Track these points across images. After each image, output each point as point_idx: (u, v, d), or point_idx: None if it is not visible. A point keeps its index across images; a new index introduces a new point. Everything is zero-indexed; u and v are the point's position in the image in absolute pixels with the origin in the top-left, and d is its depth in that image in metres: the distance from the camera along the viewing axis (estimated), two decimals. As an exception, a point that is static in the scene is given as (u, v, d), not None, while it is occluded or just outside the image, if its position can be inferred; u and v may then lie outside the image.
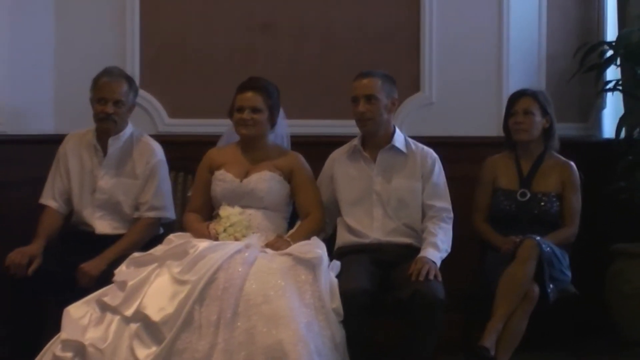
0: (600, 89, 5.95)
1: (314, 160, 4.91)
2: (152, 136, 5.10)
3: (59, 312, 4.33)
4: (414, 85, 5.73)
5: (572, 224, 4.92)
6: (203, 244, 4.41)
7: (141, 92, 5.34)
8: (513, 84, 5.61)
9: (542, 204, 4.91)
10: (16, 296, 4.59)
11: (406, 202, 4.75)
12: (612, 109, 6.10)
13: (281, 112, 4.87)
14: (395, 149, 4.78)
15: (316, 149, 5.04)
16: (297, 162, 4.82)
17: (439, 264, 4.52)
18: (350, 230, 4.75)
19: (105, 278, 4.49)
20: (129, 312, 4.23)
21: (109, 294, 4.33)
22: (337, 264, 4.51)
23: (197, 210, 4.81)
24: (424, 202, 4.75)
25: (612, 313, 5.63)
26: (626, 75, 5.89)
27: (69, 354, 4.19)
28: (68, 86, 5.61)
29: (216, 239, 4.53)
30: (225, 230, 4.57)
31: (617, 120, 5.80)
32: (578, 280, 4.86)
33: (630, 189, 5.69)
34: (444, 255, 4.62)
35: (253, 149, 4.80)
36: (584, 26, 6.03)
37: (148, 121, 5.64)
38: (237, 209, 4.65)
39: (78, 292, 4.46)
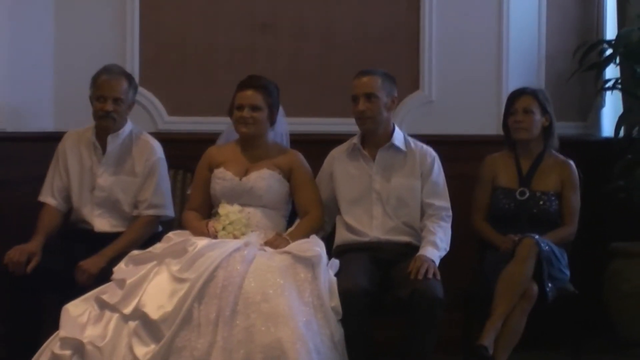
0: (599, 88, 5.95)
1: (314, 158, 4.92)
2: (151, 134, 5.10)
3: (57, 310, 4.32)
4: (414, 84, 5.74)
5: (571, 223, 4.92)
6: (202, 242, 4.42)
7: (141, 89, 5.35)
8: (512, 83, 5.61)
9: (542, 202, 4.90)
10: (15, 294, 4.59)
11: (405, 201, 4.75)
12: (612, 107, 6.10)
13: (281, 110, 4.87)
14: (395, 148, 4.78)
15: (316, 147, 5.04)
16: (296, 161, 4.82)
17: (438, 262, 4.53)
18: (350, 228, 4.75)
19: (104, 276, 4.48)
20: (127, 309, 4.23)
21: (107, 291, 4.33)
22: (336, 262, 4.51)
23: (196, 208, 4.81)
24: (423, 200, 4.75)
25: (610, 312, 5.63)
26: (625, 74, 5.89)
27: (68, 352, 4.19)
28: (68, 84, 5.60)
29: (215, 237, 4.53)
30: (224, 228, 4.57)
31: (616, 119, 5.79)
32: (577, 279, 4.87)
33: (629, 187, 5.68)
34: (443, 254, 4.62)
35: (252, 147, 4.80)
36: (583, 25, 6.03)
37: (147, 119, 5.64)
38: (236, 207, 4.65)
39: (77, 290, 4.46)
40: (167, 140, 5.17)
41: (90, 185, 4.91)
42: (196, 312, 4.17)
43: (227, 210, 4.63)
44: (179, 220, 4.92)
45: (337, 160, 4.86)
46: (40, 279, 4.59)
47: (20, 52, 5.54)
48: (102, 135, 4.91)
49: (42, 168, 5.04)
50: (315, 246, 4.45)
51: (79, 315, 4.29)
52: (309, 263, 4.36)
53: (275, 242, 4.53)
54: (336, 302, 4.29)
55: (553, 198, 4.92)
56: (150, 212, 4.89)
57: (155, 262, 4.40)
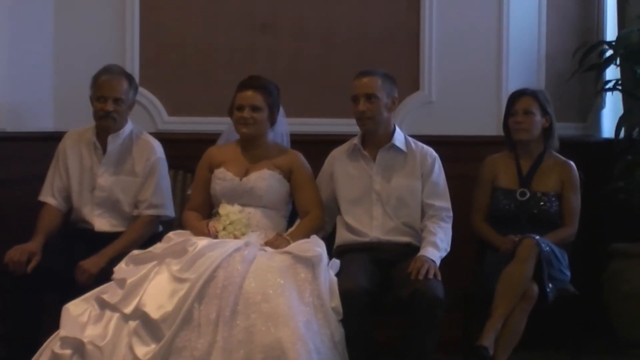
0: (599, 89, 5.96)
1: (314, 158, 4.91)
2: (151, 134, 5.10)
3: (57, 310, 4.32)
4: (414, 84, 5.73)
5: (571, 224, 4.92)
6: (202, 242, 4.41)
7: (141, 89, 5.34)
8: (512, 84, 5.61)
9: (542, 203, 4.90)
10: (15, 293, 4.58)
11: (406, 201, 4.75)
12: (612, 108, 6.10)
13: (281, 111, 4.87)
14: (395, 148, 4.78)
15: (315, 148, 5.03)
16: (296, 161, 4.82)
17: (438, 263, 4.53)
18: (350, 229, 4.75)
19: (104, 276, 4.48)
20: (128, 309, 4.23)
21: (108, 291, 4.33)
22: (336, 262, 4.51)
23: (196, 208, 4.81)
24: (424, 201, 4.75)
25: (610, 313, 5.64)
26: (626, 75, 5.89)
27: (68, 351, 4.19)
28: (68, 84, 5.59)
29: (215, 237, 4.53)
30: (224, 229, 4.57)
31: (616, 120, 5.80)
32: (577, 279, 4.87)
33: (629, 188, 5.70)
34: (444, 254, 4.62)
35: (253, 148, 4.80)
36: (583, 26, 6.04)
37: (147, 119, 5.63)
38: (236, 207, 4.64)
39: (77, 290, 4.46)
40: (167, 140, 5.16)
41: (91, 185, 4.91)
42: (196, 312, 4.17)
43: (228, 211, 4.62)
44: (179, 220, 4.91)
45: (337, 160, 4.86)
46: (40, 278, 4.58)
47: (20, 52, 5.53)
48: (102, 135, 4.91)
49: (42, 168, 5.04)
50: (315, 246, 4.45)
51: (80, 315, 4.28)
52: (310, 263, 4.35)
53: (275, 242, 4.53)
54: (337, 302, 4.29)
55: (553, 199, 4.92)
56: (151, 212, 4.89)
57: (155, 262, 4.39)
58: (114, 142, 4.90)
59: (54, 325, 4.30)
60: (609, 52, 5.87)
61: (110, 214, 4.90)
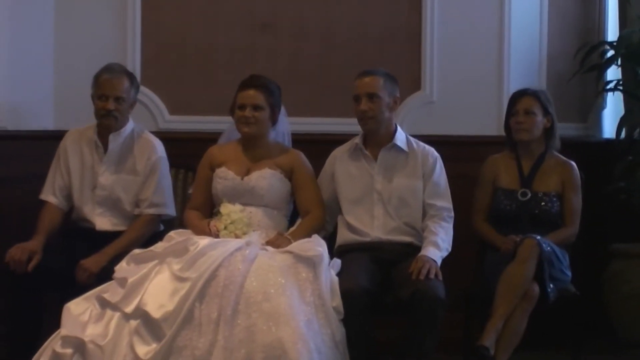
0: (600, 89, 5.97)
1: (315, 158, 4.91)
2: (152, 133, 5.09)
3: (58, 309, 4.32)
4: (415, 84, 5.73)
5: (572, 224, 4.91)
6: (203, 241, 4.40)
7: (142, 88, 5.31)
8: (513, 84, 5.62)
9: (543, 203, 4.90)
10: (16, 292, 4.58)
11: (407, 201, 4.75)
12: (613, 109, 6.11)
13: (282, 110, 4.87)
14: (397, 148, 4.78)
15: (317, 147, 5.04)
16: (298, 160, 4.82)
17: (439, 263, 4.52)
18: (351, 228, 4.75)
19: (105, 275, 4.47)
20: (129, 308, 4.22)
21: (109, 290, 4.33)
22: (337, 262, 4.51)
23: (197, 207, 4.81)
24: (425, 201, 4.75)
25: (610, 313, 5.65)
26: (627, 76, 5.90)
27: (69, 350, 4.18)
28: (68, 83, 5.60)
29: (217, 236, 4.52)
30: (225, 228, 4.57)
31: (617, 121, 5.81)
32: (577, 280, 4.87)
33: (629, 189, 5.70)
34: (445, 254, 4.61)
35: (254, 147, 4.80)
36: (584, 26, 6.04)
37: (148, 118, 5.63)
38: (237, 207, 4.64)
39: (78, 289, 4.46)
40: (168, 139, 5.16)
41: (92, 183, 4.90)
42: (197, 312, 4.17)
43: (229, 210, 4.62)
44: (180, 219, 4.91)
45: (338, 160, 4.85)
46: (41, 277, 4.58)
47: (21, 51, 5.53)
48: (103, 134, 4.91)
49: (42, 167, 5.04)
50: (316, 246, 4.44)
51: (80, 314, 4.28)
52: (311, 262, 4.35)
53: (276, 242, 4.52)
54: (338, 301, 4.28)
55: (554, 199, 4.92)
56: (152, 211, 4.89)
57: (156, 261, 4.39)
58: (115, 141, 4.90)
59: (55, 324, 4.30)
60: (610, 53, 5.88)
61: (112, 213, 4.90)
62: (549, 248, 4.61)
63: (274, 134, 4.87)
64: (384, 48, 5.73)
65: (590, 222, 5.14)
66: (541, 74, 5.83)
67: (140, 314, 4.20)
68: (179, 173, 5.20)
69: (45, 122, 5.61)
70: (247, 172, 4.74)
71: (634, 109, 5.81)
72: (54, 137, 5.14)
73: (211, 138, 5.08)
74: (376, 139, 4.79)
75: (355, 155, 4.82)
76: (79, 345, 4.18)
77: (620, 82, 5.91)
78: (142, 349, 4.14)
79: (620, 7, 6.01)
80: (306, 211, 4.75)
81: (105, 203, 4.89)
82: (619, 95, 5.99)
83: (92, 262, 4.63)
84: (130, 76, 4.93)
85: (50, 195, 4.91)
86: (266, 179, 4.72)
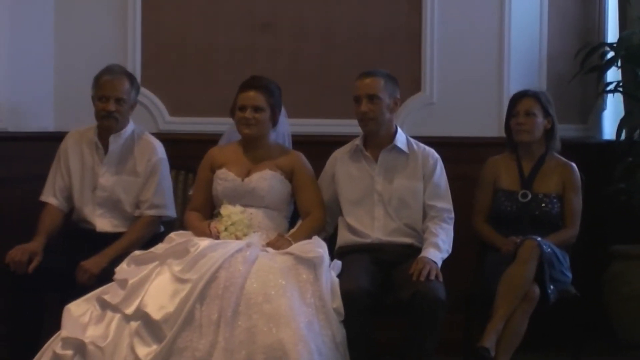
0: (600, 91, 5.96)
1: (316, 159, 4.91)
2: (152, 134, 5.09)
3: (59, 310, 4.32)
4: (415, 85, 5.73)
5: (572, 225, 4.92)
6: (204, 242, 4.41)
7: (142, 90, 5.31)
8: (514, 85, 5.61)
9: (543, 205, 4.90)
10: (16, 293, 4.58)
11: (407, 202, 4.75)
12: (613, 110, 6.10)
13: (283, 111, 4.87)
14: (397, 149, 4.78)
15: (317, 148, 5.04)
16: (298, 161, 4.82)
17: (440, 264, 4.52)
18: (351, 229, 4.75)
19: (105, 276, 4.47)
20: (129, 310, 4.22)
21: (109, 291, 4.33)
22: (338, 263, 4.51)
23: (198, 208, 4.81)
24: (425, 202, 4.75)
25: (611, 314, 5.64)
26: (627, 77, 5.89)
27: (69, 352, 4.18)
28: (68, 83, 5.60)
29: (217, 237, 4.52)
30: (226, 229, 4.56)
31: (617, 122, 5.80)
32: (577, 281, 4.86)
33: (629, 190, 5.69)
34: (445, 255, 4.62)
35: (254, 148, 4.80)
36: (584, 27, 6.03)
37: (149, 119, 5.63)
38: (238, 208, 4.64)
39: (79, 290, 4.46)
40: (169, 140, 5.17)
41: (92, 185, 4.90)
42: (198, 313, 4.17)
43: (229, 211, 4.62)
44: (181, 220, 4.91)
45: (339, 161, 4.85)
46: (41, 278, 4.58)
47: (21, 51, 5.53)
48: (104, 135, 4.91)
49: (42, 168, 5.05)
50: (317, 247, 4.45)
51: (81, 315, 4.28)
52: (311, 264, 4.35)
53: (277, 243, 4.53)
54: (338, 303, 4.29)
55: (555, 200, 4.92)
56: (152, 212, 4.89)
57: (157, 263, 4.39)
58: (116, 142, 4.90)
59: (55, 325, 4.30)
60: (610, 54, 5.86)
61: (112, 214, 4.90)
62: (549, 249, 4.61)
63: (274, 135, 4.87)
64: (384, 48, 5.73)
65: (590, 223, 5.14)
66: (541, 75, 5.82)
67: (141, 315, 4.20)
68: (179, 174, 5.20)
69: (45, 123, 5.61)
70: (248, 174, 4.74)
71: (634, 110, 5.81)
72: (54, 138, 5.15)
73: (211, 139, 5.08)
74: (376, 140, 4.79)
75: (355, 157, 4.82)
76: (80, 347, 4.18)
77: (621, 84, 5.90)
78: (142, 351, 4.14)
79: (620, 8, 6.00)
80: (307, 212, 4.75)
81: (106, 204, 4.89)
82: (619, 97, 5.98)
83: (92, 264, 4.63)
84: (131, 77, 4.93)
85: (50, 196, 4.91)
86: (267, 180, 4.72)
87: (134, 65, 5.58)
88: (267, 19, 5.74)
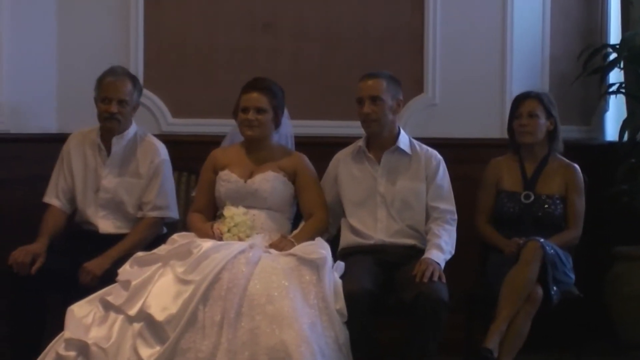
0: (603, 92, 5.96)
1: (318, 160, 4.91)
2: (155, 136, 5.09)
3: (61, 311, 4.32)
4: (418, 87, 5.72)
5: (575, 227, 4.92)
6: (207, 244, 4.41)
7: (145, 91, 5.31)
8: (516, 86, 5.61)
9: (546, 206, 4.90)
10: (19, 294, 4.58)
11: (410, 204, 4.75)
12: (615, 111, 6.10)
13: (285, 113, 4.87)
14: (400, 151, 4.78)
15: (320, 150, 5.03)
16: (301, 163, 4.82)
17: (443, 265, 4.52)
18: (354, 231, 4.75)
19: (108, 277, 4.48)
20: (132, 311, 4.22)
21: (112, 293, 4.33)
22: (341, 264, 4.51)
23: (200, 210, 4.81)
24: (428, 203, 4.75)
25: (612, 315, 5.64)
26: (629, 78, 5.89)
27: (72, 353, 4.18)
28: (70, 85, 5.60)
29: (220, 239, 4.53)
30: (229, 231, 4.57)
31: (620, 123, 5.81)
32: (579, 282, 4.86)
33: (632, 191, 5.69)
34: (448, 257, 4.61)
35: (257, 150, 4.80)
36: (587, 29, 6.03)
37: (151, 121, 5.62)
38: (241, 209, 4.64)
39: (81, 291, 4.46)
40: (171, 142, 5.17)
41: (95, 186, 4.91)
42: (201, 314, 4.17)
43: (232, 213, 4.62)
44: (184, 222, 4.92)
45: (342, 162, 4.85)
46: (44, 280, 4.58)
47: (23, 52, 5.54)
48: (106, 137, 4.91)
49: (44, 169, 5.06)
50: (320, 248, 4.45)
51: (84, 317, 4.28)
52: (314, 265, 4.35)
53: (280, 244, 4.53)
54: (341, 304, 4.29)
55: (558, 201, 4.92)
56: (155, 213, 4.89)
57: (160, 264, 4.39)
58: (119, 144, 4.90)
59: (58, 326, 4.30)
60: (613, 55, 5.87)
61: (115, 216, 4.90)
62: (552, 250, 4.61)
63: (277, 137, 4.87)
64: (386, 49, 5.72)
65: (592, 224, 5.13)
66: (544, 76, 5.81)
67: (144, 316, 4.20)
68: (182, 176, 5.21)
69: (47, 124, 5.61)
70: (251, 175, 4.74)
71: (636, 111, 5.80)
72: (57, 140, 5.17)
73: (214, 141, 5.08)
74: (379, 141, 4.79)
75: (358, 158, 4.82)
76: (83, 348, 4.18)
77: (623, 85, 5.90)
78: (145, 352, 4.14)
79: (622, 10, 6.00)
80: (309, 214, 4.75)
81: (109, 206, 4.89)
82: (621, 98, 5.98)
83: (95, 265, 4.64)
84: (133, 79, 4.93)
85: (53, 198, 4.91)
86: (269, 181, 4.72)
87: (137, 67, 5.57)
88: (268, 19, 5.74)
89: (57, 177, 4.95)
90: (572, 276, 4.80)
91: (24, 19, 5.53)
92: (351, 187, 4.80)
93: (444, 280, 4.43)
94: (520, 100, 5.02)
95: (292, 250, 4.45)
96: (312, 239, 4.59)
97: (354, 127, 4.96)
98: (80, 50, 5.64)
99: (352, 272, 4.47)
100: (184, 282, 4.25)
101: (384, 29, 5.75)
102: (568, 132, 5.43)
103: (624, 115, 5.91)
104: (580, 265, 4.93)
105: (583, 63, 5.82)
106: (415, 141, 4.85)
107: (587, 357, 4.93)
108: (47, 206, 4.91)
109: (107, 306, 4.29)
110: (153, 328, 4.18)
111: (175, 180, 5.07)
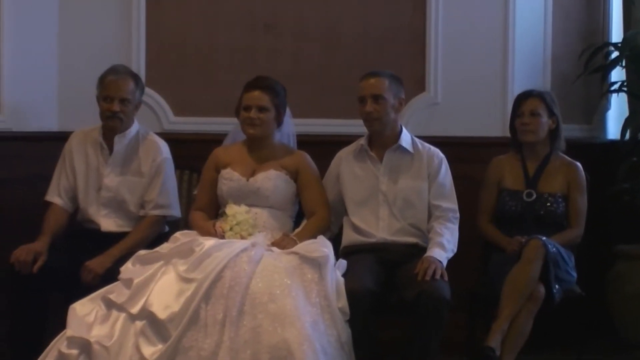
0: (605, 91, 5.96)
1: (320, 159, 4.90)
2: (157, 134, 5.09)
3: (63, 309, 4.32)
4: (419, 86, 5.72)
5: (577, 225, 4.92)
6: (209, 242, 4.40)
7: (147, 90, 5.30)
8: (518, 85, 5.61)
9: (548, 204, 4.90)
10: (21, 293, 4.58)
11: (412, 202, 4.75)
12: (617, 110, 6.11)
13: (288, 111, 4.86)
14: (402, 149, 4.78)
15: (322, 148, 5.03)
16: (303, 161, 4.81)
17: (445, 263, 4.52)
18: (356, 229, 4.75)
19: (111, 275, 4.47)
20: (134, 309, 4.22)
21: (114, 291, 4.33)
22: (343, 263, 4.51)
23: (203, 208, 4.80)
24: (430, 202, 4.75)
25: (613, 314, 5.65)
26: (631, 77, 5.90)
27: (75, 351, 4.18)
28: (72, 83, 5.60)
29: (222, 237, 4.52)
30: (231, 229, 4.56)
31: (621, 122, 5.82)
32: (581, 280, 4.86)
33: (634, 190, 5.70)
34: (450, 255, 4.61)
35: (259, 148, 4.79)
36: (589, 27, 6.03)
37: (153, 119, 5.62)
38: (243, 208, 4.64)
39: (83, 290, 4.46)
40: (173, 140, 5.17)
41: (97, 185, 4.91)
42: (203, 312, 4.17)
43: (234, 211, 4.62)
44: (186, 220, 4.92)
45: (344, 161, 4.85)
46: (46, 278, 4.58)
47: (25, 51, 5.54)
48: (109, 136, 4.91)
49: (46, 168, 5.07)
50: (322, 247, 4.44)
51: (86, 315, 4.28)
52: (316, 264, 4.35)
53: (282, 243, 4.52)
54: (343, 302, 4.28)
55: (560, 200, 4.92)
56: (157, 212, 4.89)
57: (162, 262, 4.39)
58: (121, 143, 4.90)
59: (60, 325, 4.30)
60: (615, 54, 5.87)
61: (117, 214, 4.90)
62: (554, 249, 4.61)
63: (279, 135, 4.87)
64: (387, 49, 5.72)
65: (594, 223, 5.13)
66: (545, 75, 5.81)
67: (146, 314, 4.20)
68: (184, 174, 5.21)
69: (49, 123, 5.61)
70: (253, 174, 4.74)
71: (638, 110, 5.81)
72: (58, 138, 5.16)
73: (216, 139, 5.08)
74: (381, 140, 4.79)
75: (360, 157, 4.82)
76: (85, 346, 4.18)
77: (625, 84, 5.91)
78: (147, 350, 4.14)
79: (624, 9, 6.01)
80: (311, 212, 4.75)
81: (110, 204, 4.89)
82: (623, 97, 5.99)
83: (97, 263, 4.63)
84: (136, 78, 4.93)
85: (55, 196, 4.91)
86: (271, 180, 4.72)
87: (139, 65, 5.57)
88: (268, 19, 5.74)
89: (59, 175, 4.95)
90: (574, 275, 4.80)
91: (25, 18, 5.54)
92: (353, 186, 4.80)
93: (446, 278, 4.43)
94: (522, 98, 5.02)
95: (294, 249, 4.44)
96: (314, 237, 4.59)
97: (355, 126, 4.96)
98: (81, 50, 5.64)
99: (354, 271, 4.46)
100: (186, 280, 4.24)
101: (385, 29, 5.75)
102: (570, 130, 5.43)
103: (626, 113, 5.91)
104: (581, 263, 4.93)
105: (584, 62, 5.82)
106: (417, 139, 4.85)
107: (588, 355, 4.94)
108: (48, 204, 4.90)
109: (110, 304, 4.29)
110: (155, 326, 4.18)
111: (177, 179, 5.07)
